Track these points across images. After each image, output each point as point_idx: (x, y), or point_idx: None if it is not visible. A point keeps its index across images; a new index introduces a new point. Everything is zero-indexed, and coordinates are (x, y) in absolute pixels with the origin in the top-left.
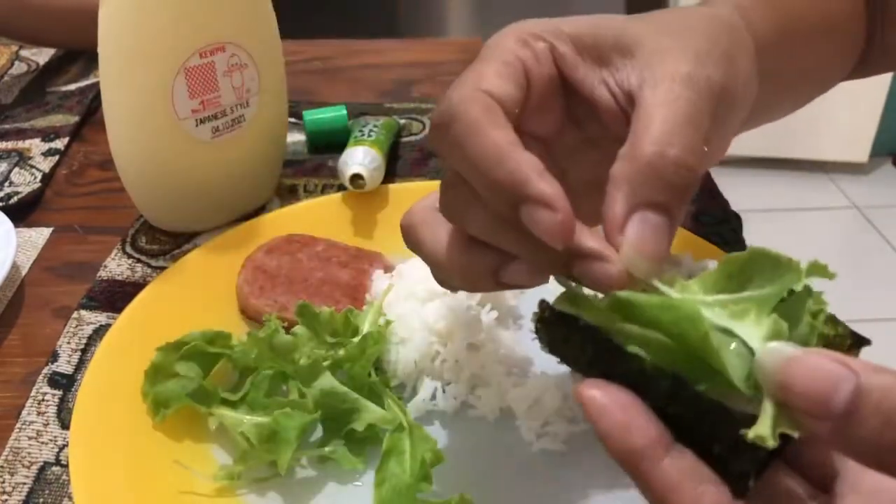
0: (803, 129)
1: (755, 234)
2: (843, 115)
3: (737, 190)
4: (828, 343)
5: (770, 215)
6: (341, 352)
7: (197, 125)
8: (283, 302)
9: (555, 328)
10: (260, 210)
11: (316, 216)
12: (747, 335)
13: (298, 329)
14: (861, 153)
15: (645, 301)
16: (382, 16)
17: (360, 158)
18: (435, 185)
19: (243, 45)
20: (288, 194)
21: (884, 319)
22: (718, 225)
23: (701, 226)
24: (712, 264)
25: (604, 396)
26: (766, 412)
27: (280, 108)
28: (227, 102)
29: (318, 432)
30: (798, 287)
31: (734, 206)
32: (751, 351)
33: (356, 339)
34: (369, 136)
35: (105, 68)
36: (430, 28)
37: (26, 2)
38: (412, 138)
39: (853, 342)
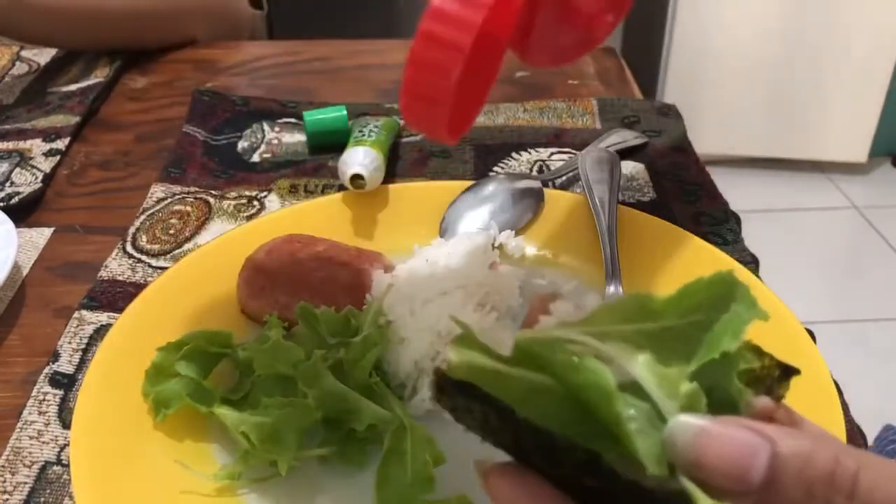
0: (802, 130)
1: (754, 234)
2: (842, 115)
3: (736, 190)
4: (755, 377)
5: (769, 215)
6: (342, 352)
7: None
8: (283, 302)
9: (454, 398)
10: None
11: (316, 216)
12: (663, 403)
13: (299, 329)
14: (860, 153)
15: (550, 358)
16: (382, 16)
17: (360, 158)
18: (436, 185)
19: None
20: (288, 194)
21: (884, 319)
22: (718, 225)
23: (700, 226)
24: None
25: (512, 485)
26: (694, 489)
27: None
28: None
29: (319, 432)
30: (732, 349)
31: (734, 206)
32: (664, 421)
33: (357, 340)
34: (369, 136)
35: None
36: None
37: (31, 3)
38: (412, 138)
39: (781, 373)
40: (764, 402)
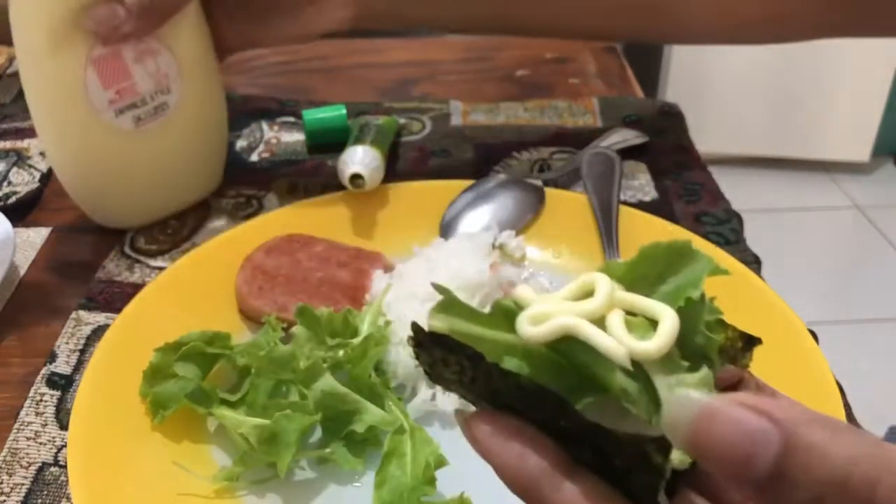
0: (805, 129)
1: (756, 234)
2: (844, 114)
3: (738, 190)
4: (720, 348)
5: (771, 215)
6: (341, 353)
7: (117, 115)
8: (282, 302)
9: (431, 350)
10: (204, 202)
11: (316, 216)
12: (634, 346)
13: (298, 329)
14: (862, 153)
15: None
16: None
17: (359, 158)
18: (436, 185)
19: None
20: (288, 194)
21: (884, 319)
22: (720, 225)
23: (702, 226)
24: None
25: (493, 428)
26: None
27: (211, 92)
28: (145, 90)
29: (318, 433)
30: (696, 295)
31: (735, 206)
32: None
33: (357, 340)
34: (368, 135)
35: (21, 67)
36: None
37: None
38: (412, 138)
39: (744, 344)
40: (731, 369)
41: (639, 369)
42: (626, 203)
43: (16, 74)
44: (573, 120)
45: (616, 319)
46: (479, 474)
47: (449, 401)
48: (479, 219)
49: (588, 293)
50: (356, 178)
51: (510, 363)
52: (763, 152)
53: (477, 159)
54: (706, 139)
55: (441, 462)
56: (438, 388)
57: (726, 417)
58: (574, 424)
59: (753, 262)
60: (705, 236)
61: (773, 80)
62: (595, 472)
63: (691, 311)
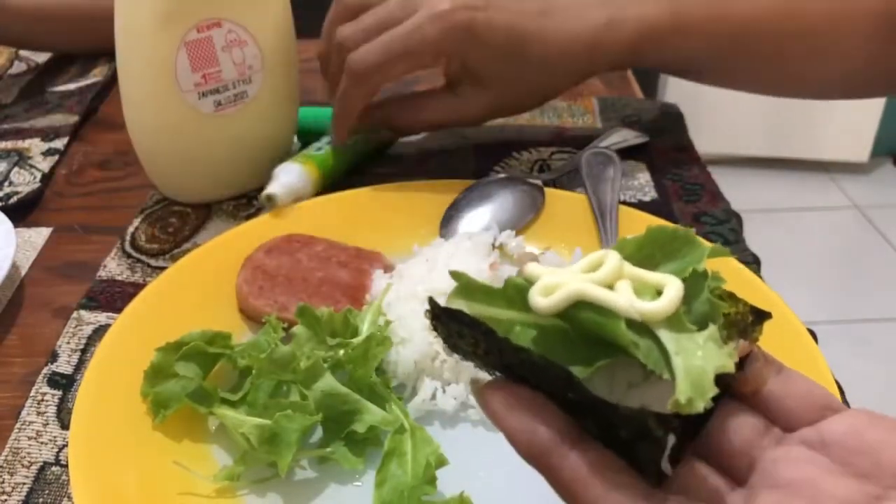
0: (804, 129)
1: (756, 234)
2: (843, 114)
3: (737, 190)
4: (729, 321)
5: (771, 215)
6: (342, 353)
7: (199, 98)
8: (282, 302)
9: (447, 324)
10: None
11: (316, 216)
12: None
13: (298, 329)
14: (862, 153)
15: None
16: None
17: (282, 177)
18: (436, 185)
19: (240, 21)
20: None
21: (884, 319)
22: (719, 225)
23: (701, 226)
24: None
25: (506, 397)
26: (680, 375)
27: (287, 87)
28: (228, 77)
29: (318, 433)
30: (700, 268)
31: (735, 206)
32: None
33: (357, 340)
34: (317, 151)
35: (119, 41)
36: None
37: (15, 6)
38: (412, 138)
39: (754, 318)
40: (742, 344)
41: (648, 333)
42: (625, 203)
43: (17, 75)
44: (573, 120)
45: (624, 286)
46: (480, 473)
47: (449, 401)
48: (479, 219)
49: (597, 268)
50: (271, 198)
51: (523, 337)
52: (762, 152)
53: (477, 159)
54: (706, 139)
55: (441, 461)
56: (439, 388)
57: None
58: (581, 397)
59: (753, 262)
60: (705, 236)
61: None
62: (602, 441)
63: (696, 281)
